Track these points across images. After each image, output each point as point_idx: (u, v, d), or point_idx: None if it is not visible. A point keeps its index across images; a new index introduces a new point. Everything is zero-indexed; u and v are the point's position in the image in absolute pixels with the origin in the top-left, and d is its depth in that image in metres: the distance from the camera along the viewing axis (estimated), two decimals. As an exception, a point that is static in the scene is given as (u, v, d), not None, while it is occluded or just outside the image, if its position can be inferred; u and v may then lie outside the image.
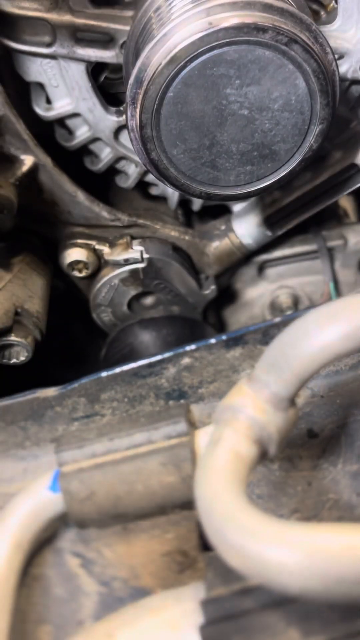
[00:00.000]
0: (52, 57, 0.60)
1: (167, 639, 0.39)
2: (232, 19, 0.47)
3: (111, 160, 0.69)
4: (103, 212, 0.70)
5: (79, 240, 0.72)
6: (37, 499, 0.46)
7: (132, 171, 0.71)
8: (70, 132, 0.68)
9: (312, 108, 0.51)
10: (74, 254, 0.72)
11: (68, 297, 0.79)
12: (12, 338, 0.65)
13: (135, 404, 0.49)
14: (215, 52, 0.48)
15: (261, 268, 0.81)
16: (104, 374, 0.48)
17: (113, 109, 0.65)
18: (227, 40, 0.48)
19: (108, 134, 0.66)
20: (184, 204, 0.75)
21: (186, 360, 0.48)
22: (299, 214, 0.73)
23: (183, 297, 0.75)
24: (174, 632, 0.39)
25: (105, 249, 0.72)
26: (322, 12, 0.62)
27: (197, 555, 0.47)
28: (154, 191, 0.74)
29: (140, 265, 0.72)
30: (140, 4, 0.56)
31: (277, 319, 0.47)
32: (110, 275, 0.73)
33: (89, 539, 0.49)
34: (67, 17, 0.58)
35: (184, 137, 0.52)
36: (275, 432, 0.39)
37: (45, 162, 0.64)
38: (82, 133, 0.67)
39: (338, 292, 0.81)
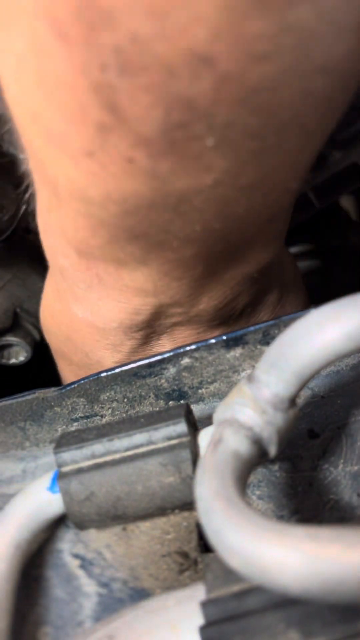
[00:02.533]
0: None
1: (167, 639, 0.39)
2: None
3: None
4: (103, 212, 0.70)
5: (79, 240, 0.71)
6: (36, 500, 0.46)
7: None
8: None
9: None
10: (73, 253, 0.71)
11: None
12: (12, 338, 0.64)
13: (135, 405, 0.49)
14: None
15: (261, 268, 0.81)
16: (103, 374, 0.48)
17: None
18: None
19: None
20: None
21: (186, 361, 0.47)
22: (299, 214, 0.73)
23: (183, 297, 0.75)
24: (174, 633, 0.39)
25: (105, 249, 0.72)
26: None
27: (198, 556, 0.46)
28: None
29: (140, 265, 0.71)
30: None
31: (278, 319, 0.47)
32: (110, 275, 0.72)
33: (88, 540, 0.48)
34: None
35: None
36: (276, 432, 0.39)
37: (45, 162, 0.64)
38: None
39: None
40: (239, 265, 0.48)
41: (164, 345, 0.53)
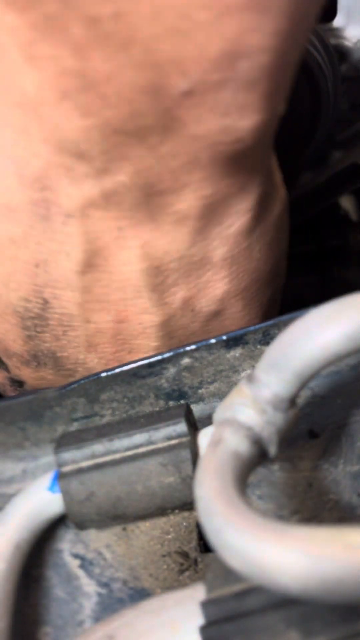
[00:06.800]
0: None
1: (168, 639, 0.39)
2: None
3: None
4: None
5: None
6: (37, 500, 0.46)
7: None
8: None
9: (312, 107, 0.51)
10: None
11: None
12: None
13: (135, 405, 0.49)
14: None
15: (261, 268, 0.81)
16: (103, 374, 0.48)
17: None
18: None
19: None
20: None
21: (186, 361, 0.47)
22: (299, 214, 0.73)
23: (183, 297, 0.75)
24: (174, 633, 0.39)
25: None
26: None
27: (198, 556, 0.46)
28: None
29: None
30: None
31: (277, 319, 0.47)
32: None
33: (88, 540, 0.48)
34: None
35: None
36: (276, 432, 0.39)
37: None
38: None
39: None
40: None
41: (72, 235, 0.41)
